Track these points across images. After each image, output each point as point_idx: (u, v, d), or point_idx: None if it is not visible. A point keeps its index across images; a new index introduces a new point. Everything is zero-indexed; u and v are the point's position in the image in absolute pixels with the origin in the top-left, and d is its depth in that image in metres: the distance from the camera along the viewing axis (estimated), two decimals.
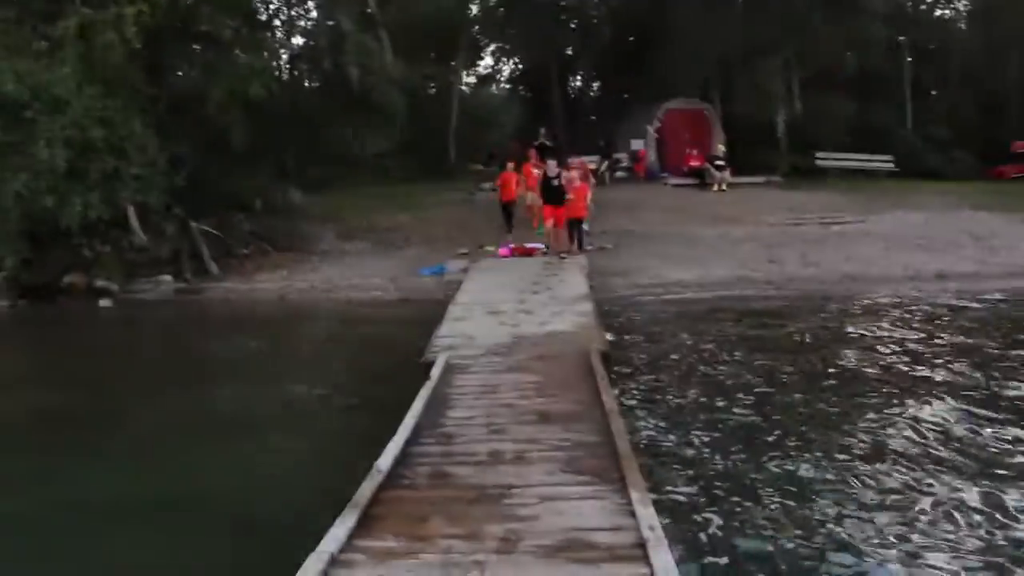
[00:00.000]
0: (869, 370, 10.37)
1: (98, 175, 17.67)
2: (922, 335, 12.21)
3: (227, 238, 21.38)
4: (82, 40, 17.93)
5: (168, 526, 6.82)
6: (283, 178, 27.06)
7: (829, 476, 7.07)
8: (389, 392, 9.64)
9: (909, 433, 8.01)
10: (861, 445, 7.76)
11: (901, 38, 33.50)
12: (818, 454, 7.53)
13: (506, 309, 12.62)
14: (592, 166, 28.96)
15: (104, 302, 18.16)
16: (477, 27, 40.83)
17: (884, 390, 9.48)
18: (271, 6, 27.52)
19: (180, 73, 20.05)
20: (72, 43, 17.82)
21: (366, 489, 5.68)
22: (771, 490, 6.81)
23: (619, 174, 29.67)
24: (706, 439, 8.01)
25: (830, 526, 6.22)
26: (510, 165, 20.73)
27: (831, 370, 10.47)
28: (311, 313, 16.89)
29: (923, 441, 7.80)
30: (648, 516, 5.06)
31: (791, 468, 7.22)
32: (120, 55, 17.95)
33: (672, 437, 8.15)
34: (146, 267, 19.76)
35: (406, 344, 12.03)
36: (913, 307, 14.31)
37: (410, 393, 8.21)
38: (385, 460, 6.26)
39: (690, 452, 7.72)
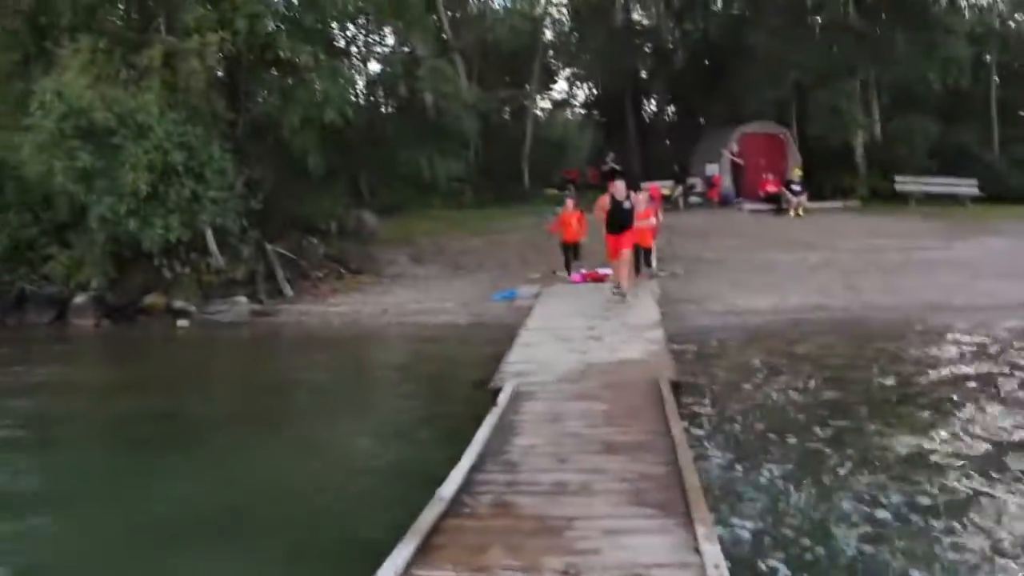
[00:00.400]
0: (951, 405, 9.93)
1: (178, 198, 18.14)
2: (1005, 368, 11.71)
3: (302, 260, 21.74)
4: (166, 68, 18.48)
5: (232, 546, 6.90)
6: (358, 201, 27.47)
7: (908, 519, 6.74)
8: (457, 418, 9.63)
9: (995, 475, 7.62)
10: (941, 487, 7.38)
11: (987, 57, 32.54)
12: (894, 497, 7.16)
13: (576, 336, 12.54)
14: (666, 191, 28.83)
15: (181, 322, 18.63)
16: (551, 52, 41.04)
17: (969, 428, 9.03)
18: (348, 33, 28.01)
19: (259, 99, 20.48)
20: (157, 71, 18.39)
21: (427, 517, 5.64)
22: (844, 529, 6.55)
23: (693, 199, 29.35)
24: (777, 472, 7.76)
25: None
26: (569, 203, 19.41)
27: (910, 404, 10.06)
28: (383, 336, 17.01)
29: (1008, 485, 7.42)
30: (714, 554, 4.91)
31: (866, 509, 6.91)
32: (202, 82, 18.48)
33: (741, 470, 7.92)
34: (223, 288, 20.18)
35: (476, 369, 12.05)
36: (996, 337, 13.73)
37: (478, 419, 8.19)
38: (448, 488, 6.22)
39: (760, 486, 7.49)
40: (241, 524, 7.33)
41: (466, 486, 6.40)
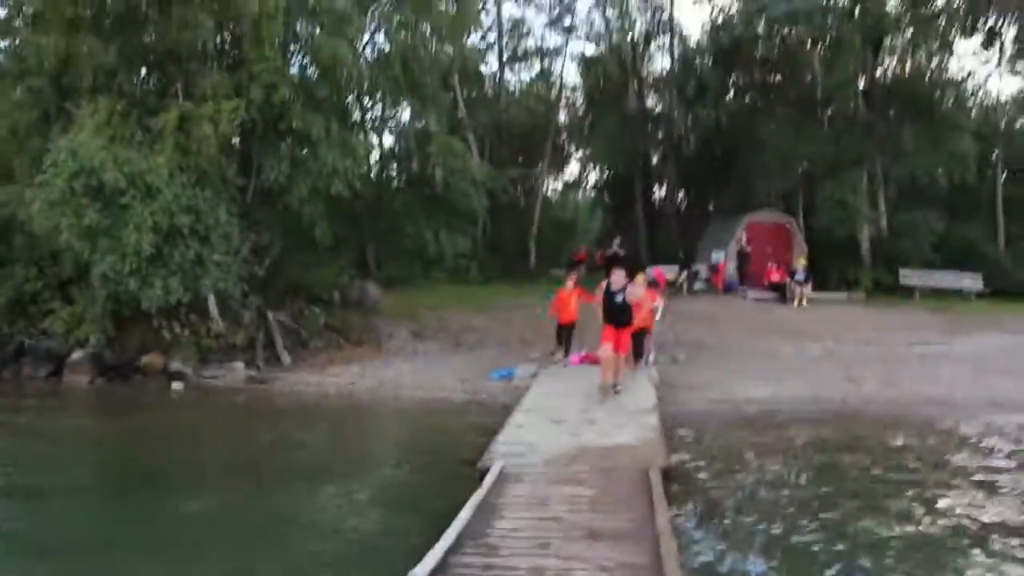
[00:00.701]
0: (946, 507, 9.70)
1: (181, 260, 18.22)
2: (1010, 467, 11.51)
3: (302, 329, 21.72)
4: (180, 132, 18.75)
5: None
6: (363, 272, 27.59)
7: None
8: (441, 497, 9.47)
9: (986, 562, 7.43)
10: None
11: (993, 154, 32.90)
12: None
13: (570, 418, 12.43)
14: (671, 276, 28.93)
15: (176, 385, 18.52)
16: (564, 134, 41.66)
17: (964, 521, 8.84)
18: (362, 106, 28.50)
19: (270, 167, 20.72)
20: (171, 134, 18.65)
21: None
22: None
23: (697, 286, 29.40)
24: (764, 566, 7.58)
25: None
26: (569, 283, 18.45)
27: (903, 496, 9.84)
28: (377, 410, 16.87)
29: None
30: None
31: None
32: (214, 147, 18.71)
33: (728, 561, 7.73)
34: (221, 353, 20.13)
35: (467, 447, 11.92)
36: (997, 436, 13.52)
37: (462, 499, 8.06)
38: (422, 569, 6.09)
39: None
40: None
41: (441, 568, 6.27)
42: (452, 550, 6.67)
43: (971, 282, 28.18)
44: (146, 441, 13.87)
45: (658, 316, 18.16)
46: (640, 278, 16.78)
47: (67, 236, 17.76)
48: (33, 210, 17.85)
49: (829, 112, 30.15)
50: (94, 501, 10.49)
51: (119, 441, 13.96)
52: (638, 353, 16.55)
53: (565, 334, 18.44)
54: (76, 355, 19.61)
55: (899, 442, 12.91)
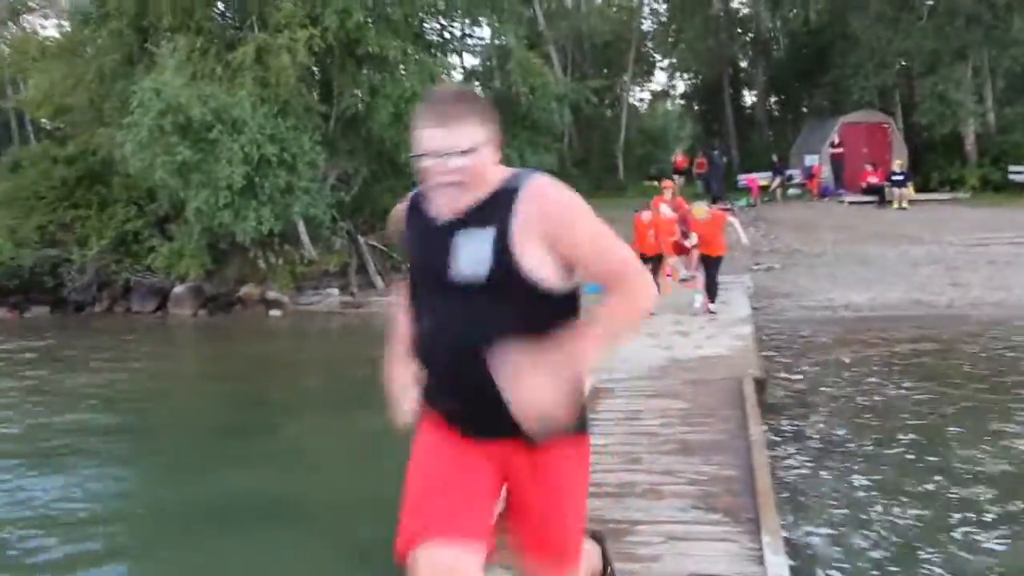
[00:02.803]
0: None
1: (271, 189, 18.50)
2: None
3: (393, 253, 21.92)
4: (259, 64, 18.86)
5: (283, 530, 7.04)
6: None
7: (1001, 540, 6.23)
8: None
9: None
10: None
11: None
12: (986, 513, 6.57)
13: (662, 331, 12.28)
14: (764, 183, 28.14)
15: (274, 313, 19.04)
16: (649, 42, 40.52)
17: None
18: (439, 26, 28.13)
19: (350, 93, 20.72)
20: (250, 67, 18.77)
21: None
22: (925, 546, 6.13)
23: (792, 191, 28.54)
24: (860, 479, 7.34)
25: None
26: (646, 214, 14.85)
27: (1010, 412, 9.37)
28: None
29: None
30: (778, 564, 4.64)
31: (954, 525, 6.46)
32: (292, 77, 18.78)
33: (822, 475, 7.53)
34: (315, 280, 20.59)
35: None
36: None
37: None
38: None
39: (840, 493, 7.08)
40: (293, 510, 7.45)
41: None
42: None
43: None
44: (250, 369, 14.30)
45: (742, 238, 15.50)
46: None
47: (161, 174, 18.23)
48: (126, 151, 18.30)
49: (928, 2, 28.43)
50: (202, 427, 10.87)
51: (225, 370, 14.43)
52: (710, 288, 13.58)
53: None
54: (178, 289, 20.33)
55: (1007, 349, 12.33)
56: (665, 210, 14.61)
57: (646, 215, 14.72)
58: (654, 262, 14.06)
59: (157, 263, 20.66)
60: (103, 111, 20.59)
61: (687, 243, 14.72)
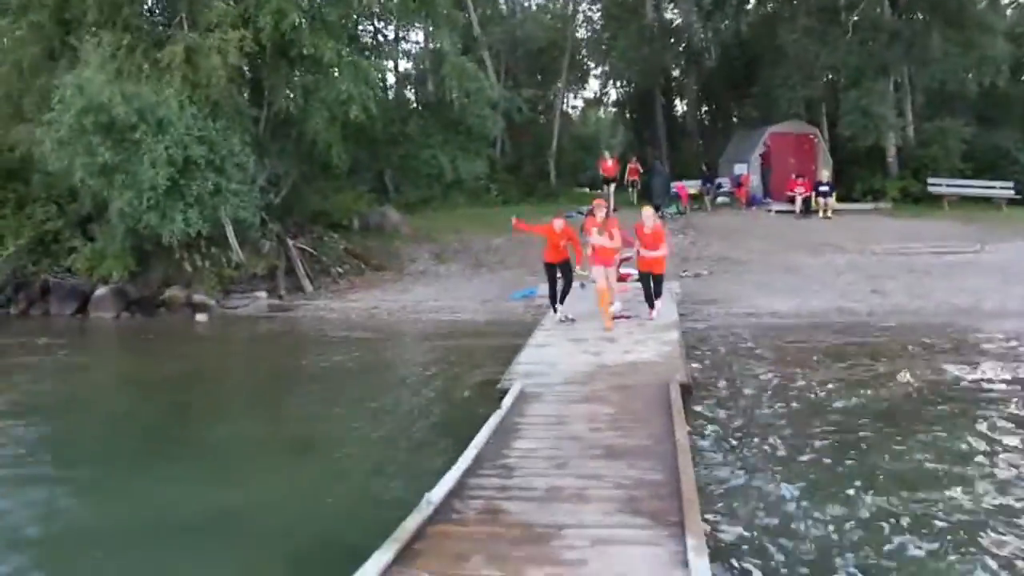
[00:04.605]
0: (969, 418, 9.53)
1: (198, 192, 18.13)
2: None
3: (323, 256, 21.71)
4: (188, 64, 18.47)
5: (214, 543, 6.88)
6: (381, 198, 27.46)
7: (914, 540, 6.39)
8: (462, 419, 9.48)
9: (1013, 493, 7.26)
10: (953, 506, 6.99)
11: None
12: (902, 516, 6.76)
13: (590, 336, 12.37)
14: (694, 191, 28.48)
15: (200, 316, 18.64)
16: (583, 50, 40.81)
17: (988, 443, 8.57)
18: (373, 29, 27.96)
19: (283, 94, 20.46)
20: (179, 67, 18.38)
21: (411, 522, 5.50)
22: (843, 547, 6.25)
23: (721, 200, 29.00)
24: (781, 483, 7.48)
25: None
26: (559, 223, 13.53)
27: (927, 415, 9.58)
28: (399, 333, 16.87)
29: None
30: (702, 568, 4.71)
31: (871, 527, 6.56)
32: (223, 78, 18.42)
33: (745, 479, 7.64)
34: (243, 283, 20.23)
35: (487, 368, 11.92)
36: None
37: (483, 420, 8.06)
38: (438, 492, 6.07)
39: (763, 497, 7.21)
40: (230, 524, 7.27)
41: (457, 490, 6.26)
42: (469, 471, 6.66)
43: (1002, 190, 27.47)
44: (172, 373, 13.96)
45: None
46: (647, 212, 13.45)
47: (81, 174, 17.69)
48: (45, 149, 17.75)
49: (853, 18, 29.14)
50: (123, 432, 10.59)
51: (147, 374, 14.07)
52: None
53: (550, 276, 13.98)
54: (100, 291, 19.74)
55: (925, 355, 12.67)
56: (598, 239, 12.94)
57: (558, 224, 13.45)
58: (561, 268, 13.60)
59: (78, 264, 20.02)
60: (22, 106, 19.89)
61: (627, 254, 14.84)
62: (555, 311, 13.87)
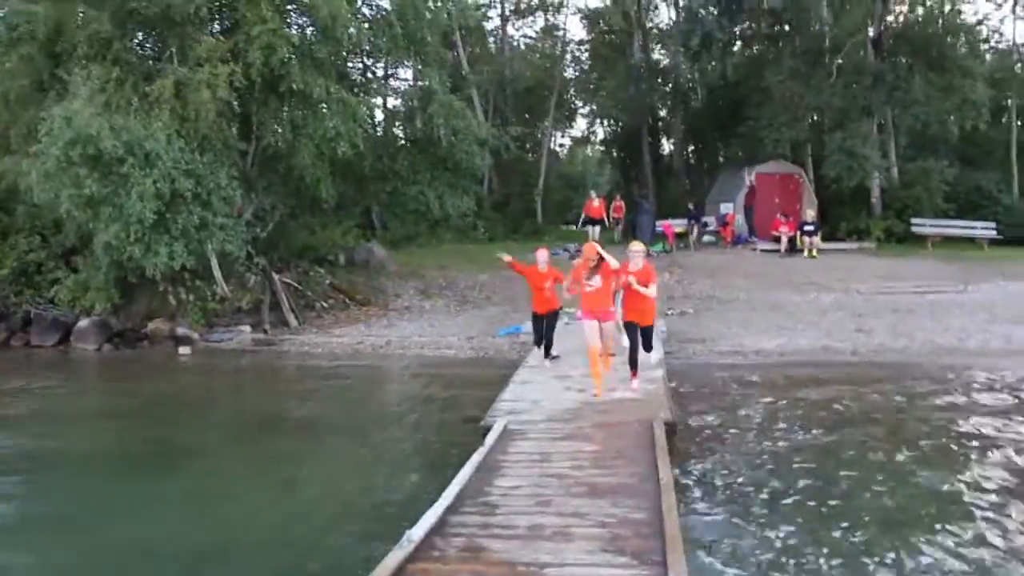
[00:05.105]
0: (953, 457, 9.52)
1: (184, 225, 18.10)
2: (1017, 415, 11.32)
3: (308, 291, 21.65)
4: (177, 98, 18.52)
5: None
6: (367, 233, 27.47)
7: None
8: (445, 455, 9.43)
9: (997, 533, 7.23)
10: (935, 545, 6.95)
11: (1008, 100, 32.33)
12: (886, 555, 6.74)
13: (574, 373, 12.31)
14: (680, 230, 28.62)
15: (183, 350, 18.52)
16: (571, 89, 41.21)
17: (972, 481, 8.58)
18: (363, 66, 28.16)
19: (271, 129, 20.56)
20: (168, 100, 18.43)
21: (391, 560, 5.44)
22: None
23: (707, 239, 29.17)
24: (765, 523, 7.44)
25: None
26: (543, 262, 12.68)
27: (911, 455, 9.56)
28: (383, 369, 16.80)
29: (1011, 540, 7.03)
30: None
31: (855, 569, 6.52)
32: (212, 112, 18.46)
33: (729, 518, 7.60)
34: (227, 317, 20.17)
35: (471, 405, 11.85)
36: (1008, 383, 13.30)
37: (467, 457, 8.01)
38: (419, 529, 6.00)
39: (746, 536, 7.17)
40: (204, 563, 7.18)
41: (439, 528, 6.19)
42: (451, 509, 6.59)
43: (984, 230, 27.77)
44: (153, 407, 13.84)
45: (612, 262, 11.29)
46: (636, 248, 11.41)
47: (67, 206, 17.65)
48: (31, 181, 17.71)
49: (838, 61, 29.53)
50: (100, 469, 10.44)
51: (127, 408, 13.91)
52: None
53: (537, 326, 13.26)
54: (83, 323, 19.66)
55: (909, 394, 12.69)
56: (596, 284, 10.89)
57: (542, 260, 12.67)
58: (548, 320, 12.73)
59: (61, 295, 19.93)
60: (9, 137, 19.88)
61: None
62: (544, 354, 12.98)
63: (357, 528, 7.82)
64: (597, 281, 10.85)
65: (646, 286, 10.90)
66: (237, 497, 9.06)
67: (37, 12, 19.09)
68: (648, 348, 11.70)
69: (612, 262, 10.67)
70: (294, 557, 7.12)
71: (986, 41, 32.85)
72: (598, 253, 10.79)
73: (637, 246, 11.37)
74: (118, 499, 8.94)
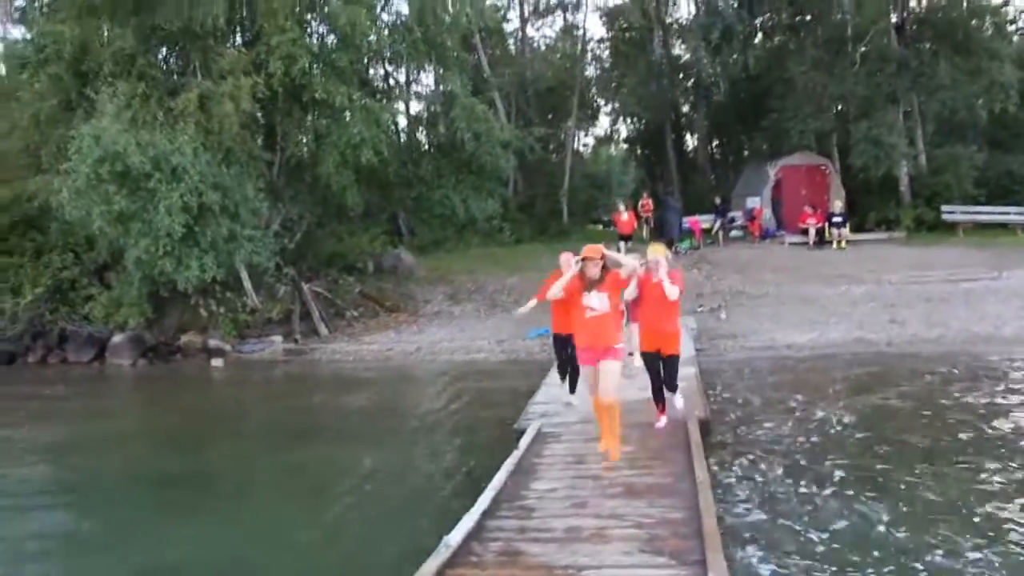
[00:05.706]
0: (996, 449, 9.36)
1: (213, 238, 18.27)
2: None
3: (337, 299, 21.76)
4: (201, 111, 18.71)
5: None
6: (395, 240, 27.56)
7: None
8: (480, 459, 9.42)
9: None
10: (982, 538, 6.81)
11: None
12: (934, 550, 6.60)
13: None
14: (707, 225, 28.47)
15: (216, 362, 18.72)
16: (593, 88, 41.11)
17: (1018, 481, 8.35)
18: (384, 72, 28.28)
19: (296, 139, 20.71)
20: (192, 114, 18.62)
21: (429, 566, 5.44)
22: None
23: (734, 233, 29.01)
24: (806, 518, 7.35)
25: None
26: (566, 258, 8.99)
27: (952, 447, 9.44)
28: (415, 374, 16.86)
29: None
30: None
31: (895, 563, 6.42)
32: (236, 124, 18.64)
33: (768, 515, 7.52)
34: (258, 327, 20.33)
35: (504, 408, 11.83)
36: None
37: (501, 461, 8.00)
38: (456, 535, 6.00)
39: (787, 533, 7.09)
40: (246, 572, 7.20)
41: (476, 532, 6.19)
42: (488, 513, 6.59)
43: (1017, 215, 27.33)
44: (189, 421, 13.93)
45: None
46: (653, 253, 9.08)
47: (99, 223, 17.90)
48: (63, 198, 17.97)
49: (861, 49, 29.26)
50: (139, 489, 10.51)
51: (164, 425, 14.00)
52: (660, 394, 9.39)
53: (560, 353, 10.80)
54: (117, 338, 19.90)
55: (947, 384, 12.53)
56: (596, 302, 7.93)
57: (564, 264, 8.91)
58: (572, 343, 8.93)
59: (95, 312, 20.22)
60: (40, 157, 20.20)
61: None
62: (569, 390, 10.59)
63: (391, 534, 7.81)
64: (601, 302, 7.74)
65: (669, 314, 8.88)
66: (272, 507, 9.06)
67: (63, 32, 19.38)
68: (673, 387, 9.25)
69: (625, 267, 7.85)
70: (331, 565, 7.17)
71: (1012, 22, 32.41)
72: (602, 255, 7.73)
73: (656, 249, 9.11)
74: (160, 516, 8.90)
